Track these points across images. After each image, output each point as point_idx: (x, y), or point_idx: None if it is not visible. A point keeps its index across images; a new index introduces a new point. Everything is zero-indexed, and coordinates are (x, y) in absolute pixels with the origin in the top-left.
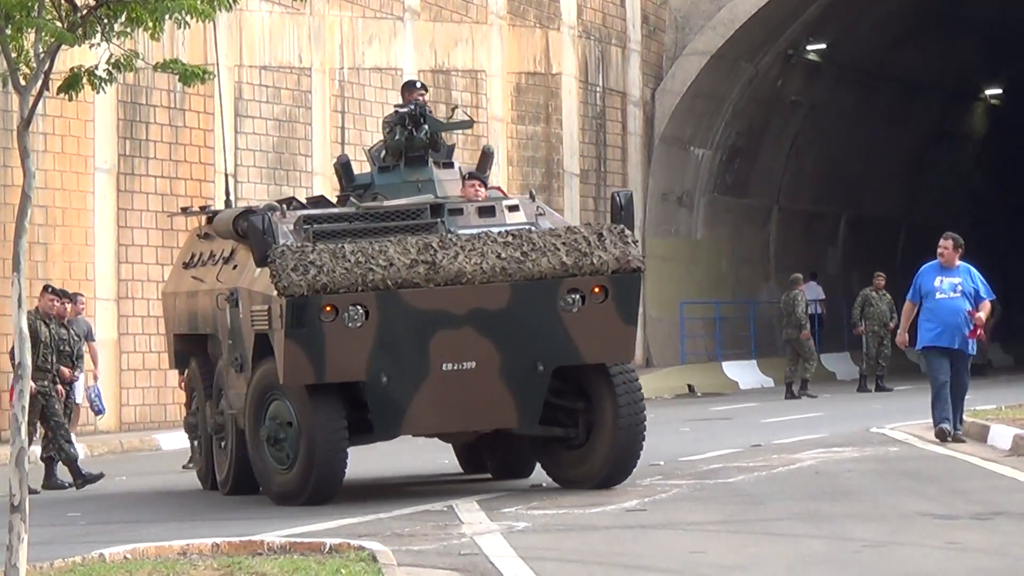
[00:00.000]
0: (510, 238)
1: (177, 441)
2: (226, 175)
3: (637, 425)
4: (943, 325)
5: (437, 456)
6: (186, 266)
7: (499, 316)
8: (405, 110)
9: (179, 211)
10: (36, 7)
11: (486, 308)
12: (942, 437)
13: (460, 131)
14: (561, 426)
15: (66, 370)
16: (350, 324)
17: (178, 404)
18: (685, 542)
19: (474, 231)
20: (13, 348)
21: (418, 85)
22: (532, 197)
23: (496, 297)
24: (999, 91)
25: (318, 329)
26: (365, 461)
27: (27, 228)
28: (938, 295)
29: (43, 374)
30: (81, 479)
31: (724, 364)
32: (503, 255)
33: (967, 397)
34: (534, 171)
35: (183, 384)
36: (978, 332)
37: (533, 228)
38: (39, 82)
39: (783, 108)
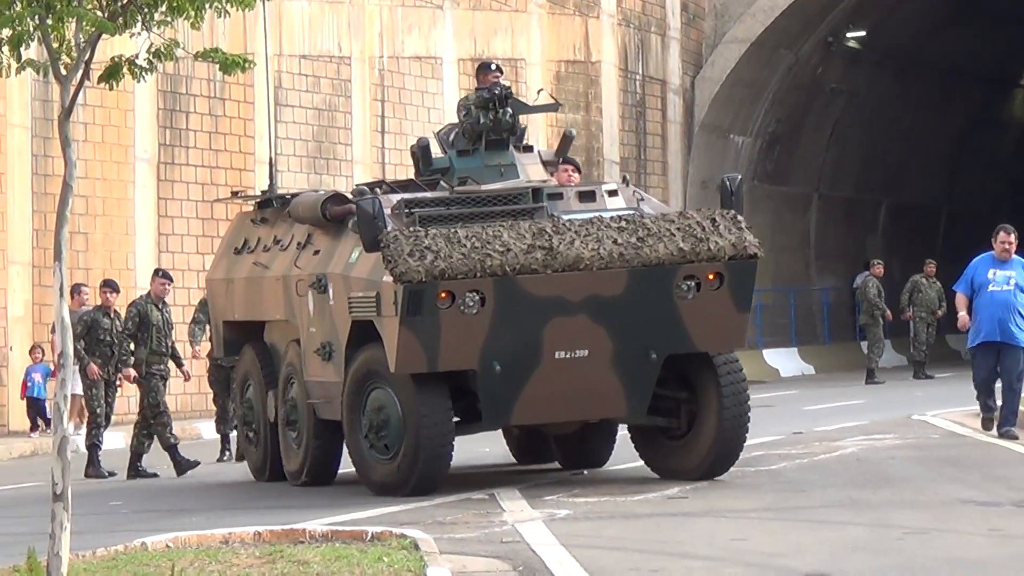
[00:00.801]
0: (624, 223)
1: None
2: (270, 160)
3: (741, 416)
4: (993, 319)
5: (479, 445)
6: (238, 251)
7: (614, 303)
8: (489, 92)
9: (229, 196)
10: None
11: (602, 295)
12: (987, 426)
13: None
14: (664, 416)
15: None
16: (465, 311)
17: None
18: (727, 529)
19: (585, 215)
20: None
21: (493, 67)
22: (626, 182)
23: (613, 284)
24: None
25: (434, 316)
26: None
27: (68, 218)
28: (991, 287)
29: (159, 357)
30: (133, 471)
31: (764, 352)
32: (619, 240)
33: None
34: (576, 158)
35: (211, 372)
36: None
37: (643, 213)
38: (80, 72)
39: (823, 95)
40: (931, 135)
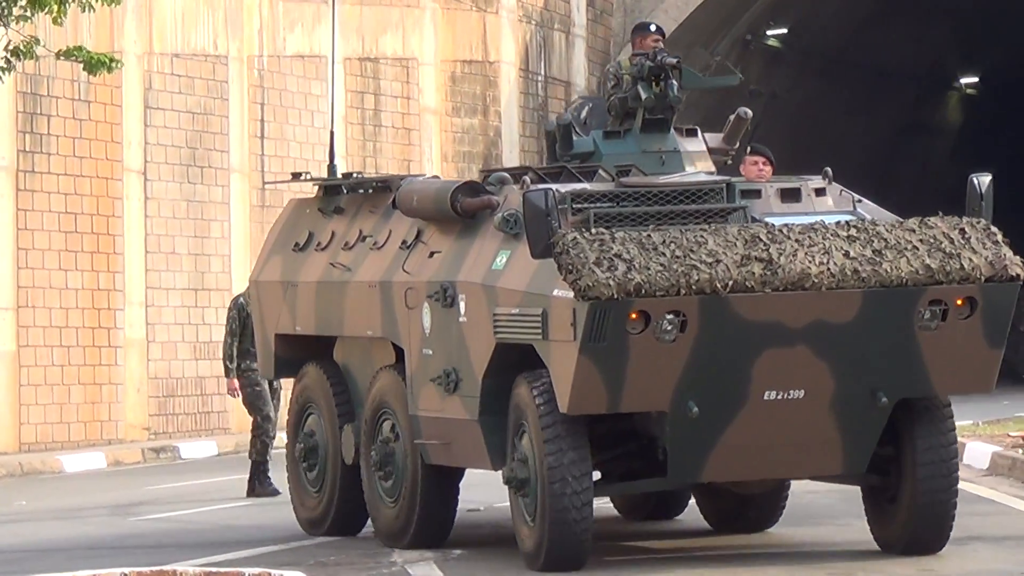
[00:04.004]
0: (854, 231)
1: (81, 463)
2: (331, 133)
3: (944, 478)
4: None
5: None
6: (300, 248)
7: (843, 332)
8: (655, 60)
9: (289, 178)
10: None
11: (829, 321)
12: None
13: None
14: (878, 474)
15: None
16: (662, 337)
17: (83, 423)
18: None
19: (799, 220)
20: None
21: (653, 28)
22: (830, 178)
23: (843, 308)
24: (975, 80)
25: (622, 342)
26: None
27: None
28: None
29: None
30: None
31: None
32: (851, 254)
33: None
34: (470, 167)
35: (238, 391)
36: None
37: (874, 220)
38: None
39: (742, 97)
40: (859, 141)
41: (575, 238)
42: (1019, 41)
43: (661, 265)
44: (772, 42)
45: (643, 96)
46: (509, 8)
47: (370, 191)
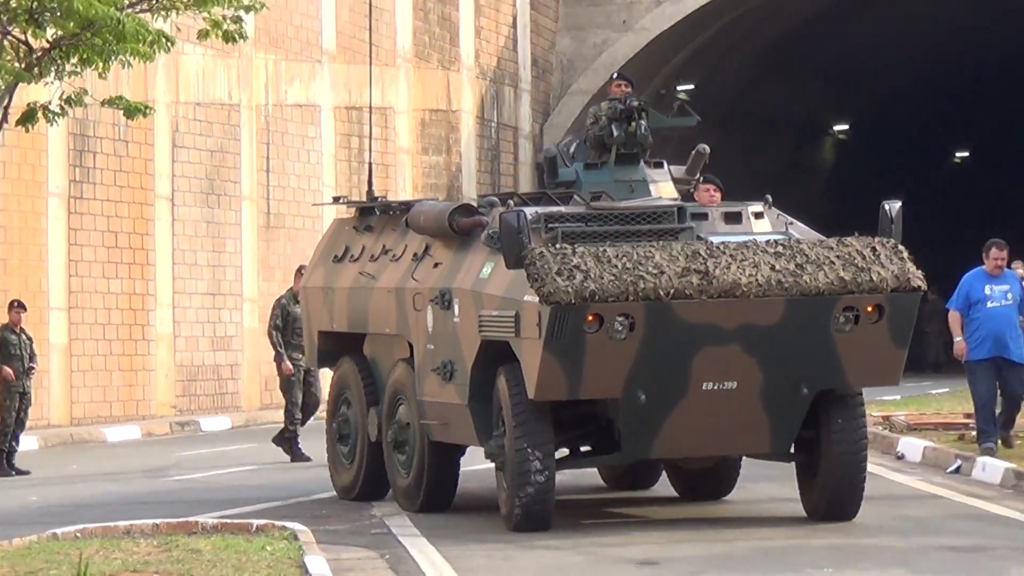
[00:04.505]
0: (780, 248)
1: (120, 434)
2: (370, 164)
3: (855, 455)
4: (994, 335)
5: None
6: (338, 260)
7: (769, 333)
8: (625, 103)
9: (332, 200)
10: None
11: (757, 324)
12: (989, 454)
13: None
14: (804, 452)
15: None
16: (613, 336)
17: (122, 401)
18: (574, 519)
19: (734, 239)
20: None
21: (615, 76)
22: (769, 204)
23: (769, 313)
24: (846, 127)
25: (580, 340)
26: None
27: None
28: (990, 304)
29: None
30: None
31: None
32: (777, 267)
33: None
34: (437, 196)
35: (291, 369)
36: None
37: (799, 239)
38: None
39: (657, 140)
40: (752, 178)
41: (541, 252)
42: (882, 95)
43: (613, 275)
44: (681, 95)
45: (615, 134)
46: (468, 67)
47: (394, 212)
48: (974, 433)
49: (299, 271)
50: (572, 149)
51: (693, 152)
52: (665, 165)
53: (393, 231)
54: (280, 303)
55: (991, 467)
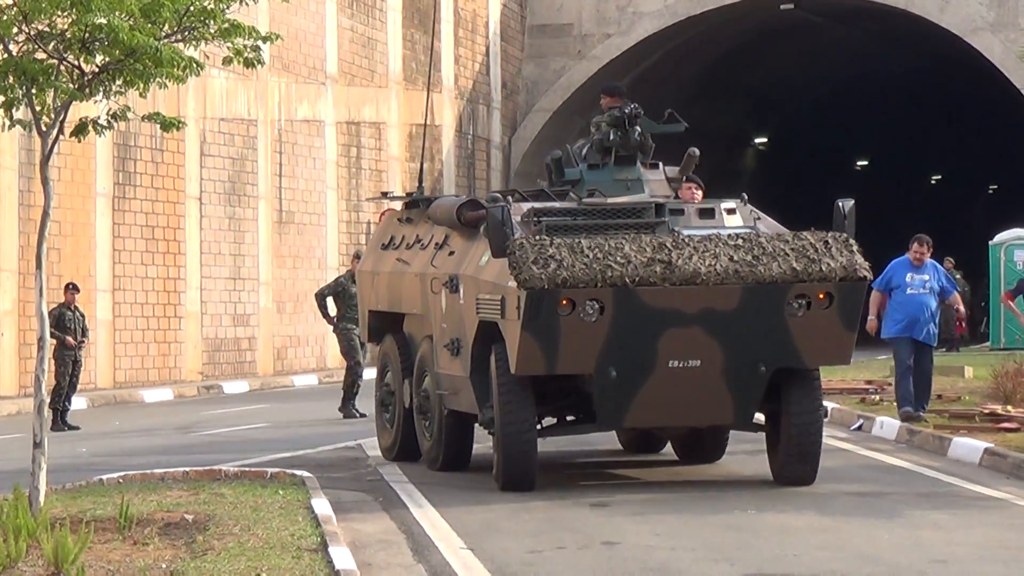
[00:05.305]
0: (740, 241)
1: (156, 396)
2: (421, 164)
3: (812, 425)
4: (911, 318)
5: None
6: (385, 247)
7: (728, 317)
8: (620, 112)
9: (379, 195)
10: (54, 72)
11: (716, 309)
12: (908, 419)
13: (672, 133)
14: (769, 423)
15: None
16: (585, 318)
17: (157, 369)
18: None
19: (704, 232)
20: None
21: (603, 88)
22: (744, 201)
23: (727, 299)
24: (765, 139)
25: (554, 322)
26: (308, 411)
27: (46, 237)
28: (909, 290)
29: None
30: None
31: None
32: (735, 258)
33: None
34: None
35: (336, 324)
36: (962, 324)
37: (759, 232)
38: (56, 128)
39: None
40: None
41: (521, 243)
42: (794, 113)
43: (584, 264)
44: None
45: (612, 138)
46: (448, 88)
47: (424, 207)
48: (875, 396)
49: (356, 256)
50: (584, 152)
51: (685, 155)
52: (660, 166)
53: (425, 223)
54: (339, 280)
55: (888, 425)
